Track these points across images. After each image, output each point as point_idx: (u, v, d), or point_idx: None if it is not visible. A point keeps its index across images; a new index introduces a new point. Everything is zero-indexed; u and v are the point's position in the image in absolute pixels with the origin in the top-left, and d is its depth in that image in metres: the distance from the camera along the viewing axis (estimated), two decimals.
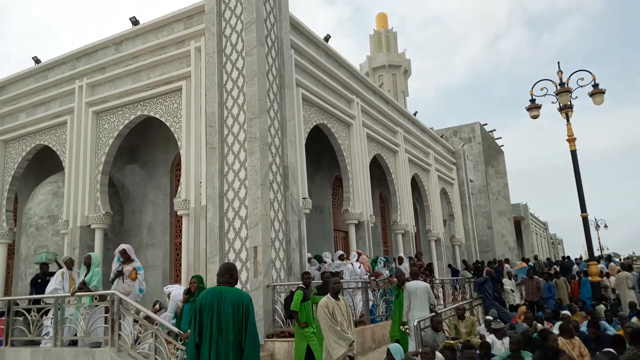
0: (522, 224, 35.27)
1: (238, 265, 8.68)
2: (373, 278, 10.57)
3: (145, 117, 11.28)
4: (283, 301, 8.41)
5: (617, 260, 26.21)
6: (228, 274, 3.87)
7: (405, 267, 12.72)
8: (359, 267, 10.26)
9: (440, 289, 14.40)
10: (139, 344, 6.49)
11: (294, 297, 7.08)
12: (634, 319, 9.19)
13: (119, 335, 6.67)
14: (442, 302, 13.51)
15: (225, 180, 9.24)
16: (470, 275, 15.80)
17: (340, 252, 11.45)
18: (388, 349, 5.39)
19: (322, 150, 14.42)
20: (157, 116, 10.91)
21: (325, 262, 11.14)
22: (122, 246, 7.82)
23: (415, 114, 19.30)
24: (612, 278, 14.92)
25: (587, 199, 11.90)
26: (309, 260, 10.86)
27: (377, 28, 33.78)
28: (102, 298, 7.12)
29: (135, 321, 6.87)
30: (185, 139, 10.16)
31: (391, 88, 30.51)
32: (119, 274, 7.61)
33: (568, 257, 21.24)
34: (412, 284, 8.14)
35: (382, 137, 15.42)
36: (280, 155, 9.85)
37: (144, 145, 13.03)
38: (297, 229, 9.97)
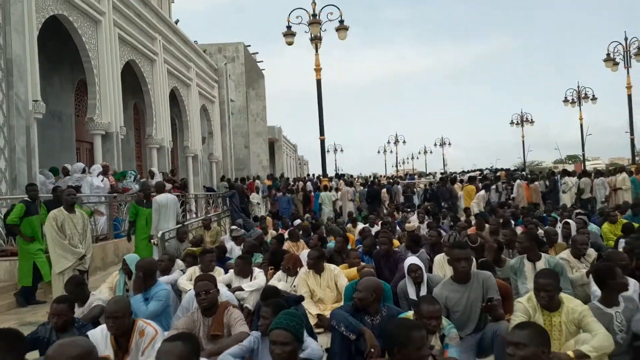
0: (275, 145, 38.24)
1: None
2: (117, 193, 10.09)
3: None
4: (3, 217, 7.32)
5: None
6: None
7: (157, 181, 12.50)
8: (102, 181, 9.57)
9: (194, 203, 14.81)
10: None
11: (13, 210, 6.22)
12: (349, 225, 11.36)
13: None
14: (194, 215, 13.93)
15: None
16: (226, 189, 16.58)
17: (81, 164, 10.45)
18: (124, 259, 5.32)
19: (62, 47, 12.40)
20: None
21: (68, 175, 10.04)
22: None
23: (177, 22, 18.19)
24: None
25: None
26: (42, 172, 9.60)
27: None
28: None
29: None
30: None
31: None
32: None
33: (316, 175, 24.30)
34: (161, 197, 8.07)
35: (138, 41, 14.12)
36: (2, 46, 8.10)
37: None
38: (25, 135, 8.59)
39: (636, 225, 7.29)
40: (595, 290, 3.76)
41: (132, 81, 14.93)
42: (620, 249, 5.10)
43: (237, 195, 13.23)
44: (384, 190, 17.09)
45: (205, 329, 3.68)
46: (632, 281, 3.82)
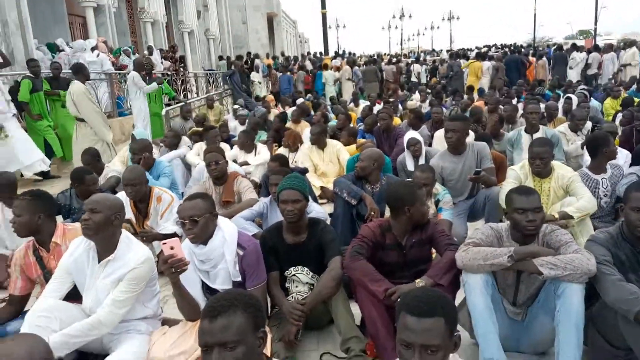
0: (274, 20, 36.30)
1: None
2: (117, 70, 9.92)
3: None
4: (7, 92, 7.31)
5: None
6: None
7: (156, 58, 12.21)
8: (97, 56, 9.34)
9: (194, 82, 14.61)
10: None
11: (20, 87, 6.21)
12: (351, 105, 11.35)
13: None
14: (195, 94, 13.84)
15: None
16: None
17: (81, 41, 10.12)
18: (132, 135, 5.48)
19: None
20: None
21: (63, 51, 9.79)
22: None
23: None
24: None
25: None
26: (40, 48, 9.37)
27: None
28: None
29: None
30: None
31: None
32: None
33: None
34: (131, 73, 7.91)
35: None
36: None
37: None
38: (16, 8, 8.23)
39: (637, 100, 7.31)
40: (587, 161, 3.94)
41: None
42: (617, 123, 5.20)
43: (238, 74, 13.00)
44: (385, 68, 16.67)
45: (217, 196, 3.94)
46: (623, 151, 3.98)
